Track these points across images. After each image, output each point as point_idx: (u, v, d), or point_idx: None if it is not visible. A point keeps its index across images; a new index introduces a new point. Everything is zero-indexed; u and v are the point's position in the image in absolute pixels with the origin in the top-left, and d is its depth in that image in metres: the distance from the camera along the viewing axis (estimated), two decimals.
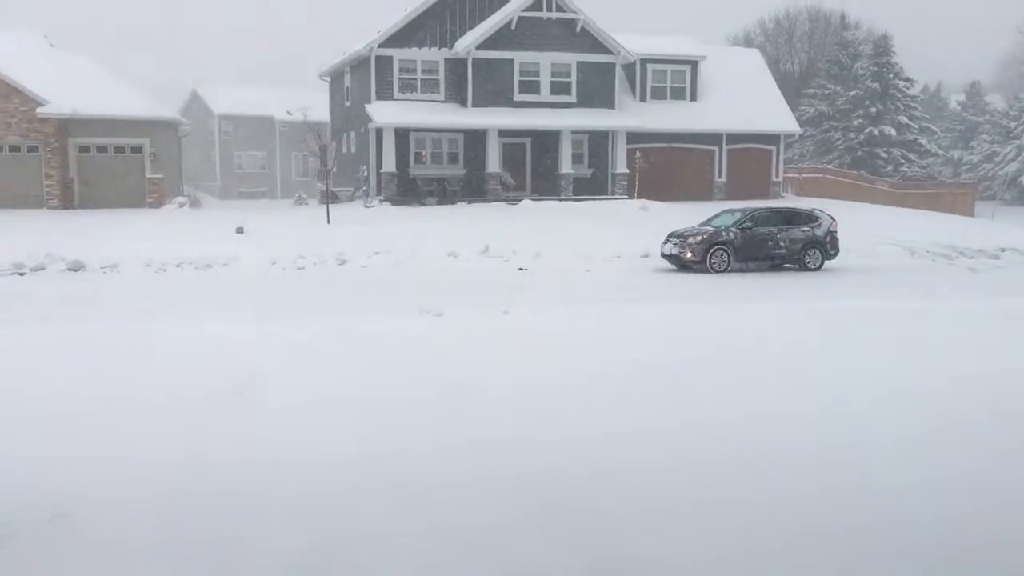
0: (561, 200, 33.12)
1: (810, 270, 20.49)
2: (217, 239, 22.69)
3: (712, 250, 19.87)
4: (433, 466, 4.78)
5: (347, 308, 13.30)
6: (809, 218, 21.21)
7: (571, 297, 15.57)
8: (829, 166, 49.55)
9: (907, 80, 55.20)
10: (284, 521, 3.96)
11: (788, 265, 20.72)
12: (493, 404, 6.42)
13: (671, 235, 20.76)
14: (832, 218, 21.42)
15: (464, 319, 11.21)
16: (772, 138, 38.88)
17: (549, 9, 34.19)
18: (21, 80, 31.01)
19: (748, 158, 38.52)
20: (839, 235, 21.24)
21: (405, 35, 33.75)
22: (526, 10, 33.88)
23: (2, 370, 7.39)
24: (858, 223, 27.13)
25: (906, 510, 4.30)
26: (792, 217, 21.27)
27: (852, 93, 54.76)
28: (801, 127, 47.44)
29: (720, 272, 19.79)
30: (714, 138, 37.71)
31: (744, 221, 20.52)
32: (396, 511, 4.11)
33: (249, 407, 6.13)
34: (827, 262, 20.93)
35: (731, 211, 21.92)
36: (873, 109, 53.50)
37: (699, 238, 20.01)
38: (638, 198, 33.76)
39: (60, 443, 5.23)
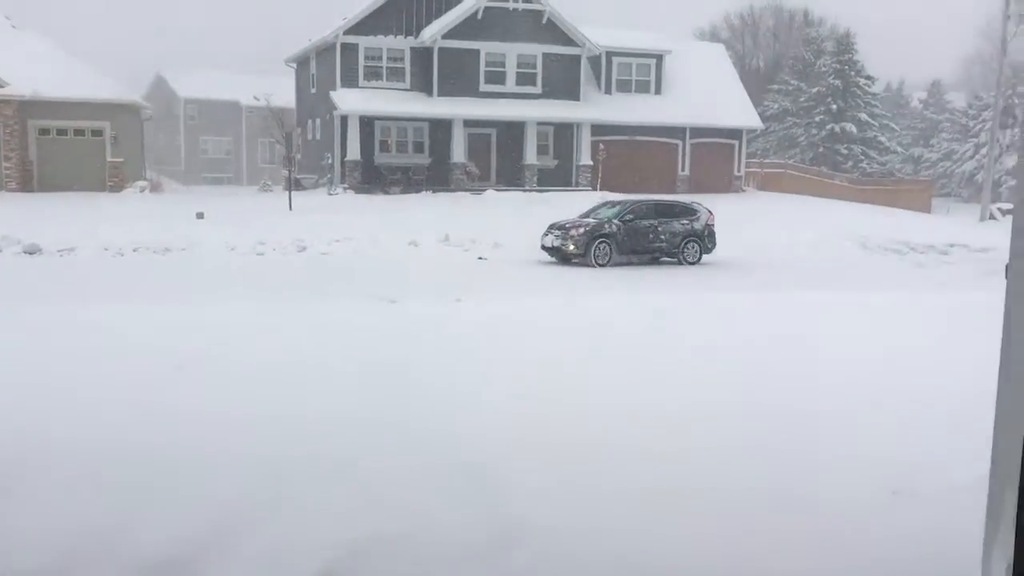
0: (525, 191, 33.34)
1: (688, 264, 20.17)
2: (177, 224, 22.64)
3: (595, 243, 19.29)
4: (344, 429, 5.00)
5: (300, 294, 13.44)
6: (688, 211, 20.85)
7: (521, 287, 15.81)
8: (791, 161, 50.20)
9: (868, 78, 55.98)
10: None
11: (666, 259, 20.32)
12: (416, 383, 6.67)
13: (552, 227, 20.12)
14: (709, 211, 21.07)
15: (416, 306, 11.40)
16: (735, 133, 39.34)
17: (516, 0, 34.33)
18: None
19: (711, 152, 38.95)
20: (715, 228, 20.94)
21: (371, 23, 33.73)
22: (493, 0, 33.99)
23: None
24: (813, 218, 27.61)
25: None
26: (671, 210, 20.84)
27: (815, 90, 55.44)
28: (765, 123, 48.07)
29: (603, 266, 19.23)
30: (678, 132, 38.07)
31: (625, 213, 19.99)
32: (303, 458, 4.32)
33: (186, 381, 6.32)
34: (704, 256, 20.52)
35: (611, 203, 21.59)
36: (835, 106, 54.21)
37: (582, 230, 19.35)
38: (601, 190, 34.05)
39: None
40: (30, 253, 18.81)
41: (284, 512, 3.90)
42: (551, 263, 19.76)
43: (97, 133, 32.77)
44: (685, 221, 20.45)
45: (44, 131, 32.11)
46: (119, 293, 13.36)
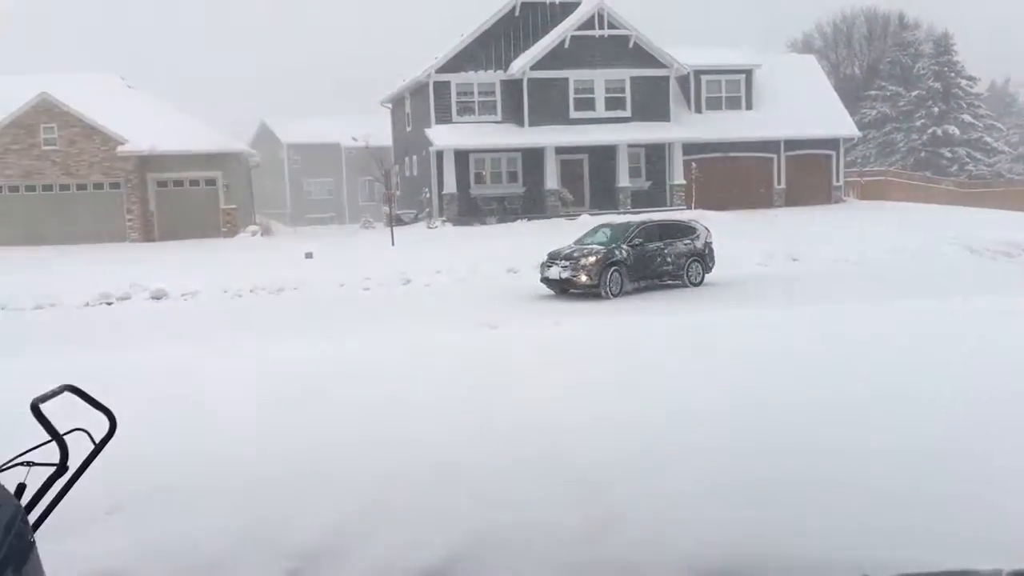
0: (619, 213, 33.62)
1: (692, 285, 18.98)
2: (288, 264, 23.79)
3: (608, 271, 17.71)
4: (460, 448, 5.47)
5: (407, 324, 14.10)
6: (688, 230, 19.67)
7: (618, 308, 16.15)
8: (892, 168, 49.08)
9: (970, 78, 54.41)
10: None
11: (671, 281, 19.10)
12: (518, 399, 7.12)
13: (554, 257, 18.51)
14: (707, 229, 20.05)
15: (516, 330, 11.90)
16: (831, 143, 38.83)
17: (601, 27, 34.88)
18: (102, 121, 32.86)
19: (807, 164, 38.54)
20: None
21: (461, 60, 34.76)
22: (579, 29, 34.63)
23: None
24: (916, 224, 27.07)
25: None
26: (673, 230, 19.55)
27: (914, 94, 54.17)
28: (863, 130, 47.21)
29: (615, 296, 17.73)
30: (772, 145, 37.82)
31: (633, 237, 18.51)
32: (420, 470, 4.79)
33: (314, 410, 6.92)
34: (706, 276, 19.43)
35: (606, 226, 20.11)
36: (935, 109, 52.86)
37: (593, 259, 17.69)
38: (695, 208, 34.10)
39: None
40: (157, 298, 20.10)
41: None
42: (549, 296, 18.35)
43: (210, 182, 34.65)
44: (687, 241, 19.30)
45: (162, 183, 34.15)
46: (241, 332, 14.28)
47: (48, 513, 2.65)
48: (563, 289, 18.20)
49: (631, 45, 35.08)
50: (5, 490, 2.23)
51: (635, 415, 6.32)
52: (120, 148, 32.80)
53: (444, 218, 33.72)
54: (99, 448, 2.77)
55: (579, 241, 19.62)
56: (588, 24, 34.78)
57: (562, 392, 7.33)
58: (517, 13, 35.37)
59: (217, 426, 6.46)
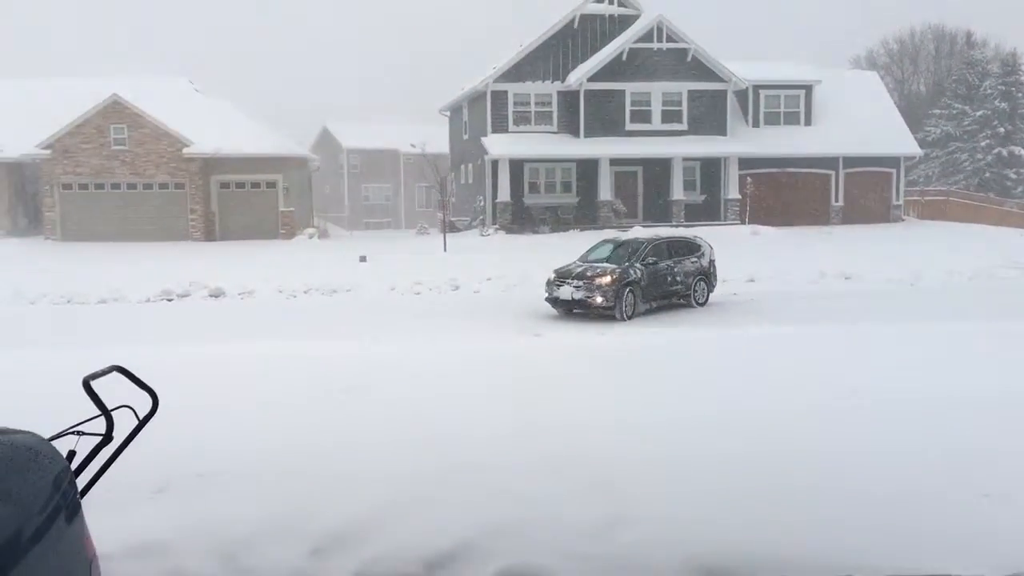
0: (672, 226, 33.62)
1: (698, 305, 17.99)
2: (342, 267, 24.32)
3: (625, 292, 16.39)
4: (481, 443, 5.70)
5: (453, 328, 14.38)
6: (694, 247, 18.56)
7: (670, 319, 16.24)
8: (955, 188, 48.20)
9: None
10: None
11: (680, 301, 17.93)
12: (533, 399, 7.33)
13: (563, 276, 17.03)
14: (710, 245, 19.07)
15: (561, 339, 12.11)
16: (892, 161, 38.34)
17: (660, 40, 34.95)
18: (169, 123, 33.88)
19: (866, 181, 38.11)
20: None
21: (519, 70, 35.12)
22: (637, 41, 34.75)
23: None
24: (976, 245, 26.60)
25: None
26: (680, 247, 18.38)
27: (979, 113, 53.13)
28: (926, 148, 46.50)
29: (630, 318, 16.45)
30: (830, 162, 37.48)
31: (646, 255, 17.32)
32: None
33: (353, 405, 7.22)
34: (710, 295, 18.45)
35: (609, 242, 18.80)
36: (1001, 129, 51.80)
37: (608, 279, 16.36)
38: (749, 223, 33.95)
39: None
40: (215, 296, 20.71)
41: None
42: (554, 316, 16.95)
43: (271, 185, 35.47)
44: (694, 258, 18.26)
45: (224, 185, 35.07)
46: (292, 330, 14.70)
47: (94, 482, 2.94)
48: (570, 310, 16.83)
49: (689, 59, 35.09)
50: (54, 449, 2.52)
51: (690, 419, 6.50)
52: (186, 150, 33.76)
53: (497, 226, 34.06)
54: (142, 424, 3.06)
55: (584, 258, 18.27)
56: (647, 37, 34.88)
57: (600, 401, 7.52)
58: (576, 25, 35.64)
59: (260, 419, 6.78)
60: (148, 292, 20.51)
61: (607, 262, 17.33)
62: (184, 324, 16.45)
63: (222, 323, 16.53)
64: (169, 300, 20.31)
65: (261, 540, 4.14)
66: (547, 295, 17.23)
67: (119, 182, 34.02)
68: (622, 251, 17.75)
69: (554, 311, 17.35)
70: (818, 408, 7.03)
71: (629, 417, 6.83)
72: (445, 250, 28.38)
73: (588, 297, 16.27)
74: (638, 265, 17.01)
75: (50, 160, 33.43)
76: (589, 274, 16.66)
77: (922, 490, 4.88)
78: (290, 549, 4.04)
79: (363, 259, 26.20)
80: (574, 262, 18.09)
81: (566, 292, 16.58)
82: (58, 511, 2.35)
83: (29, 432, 2.49)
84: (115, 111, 33.57)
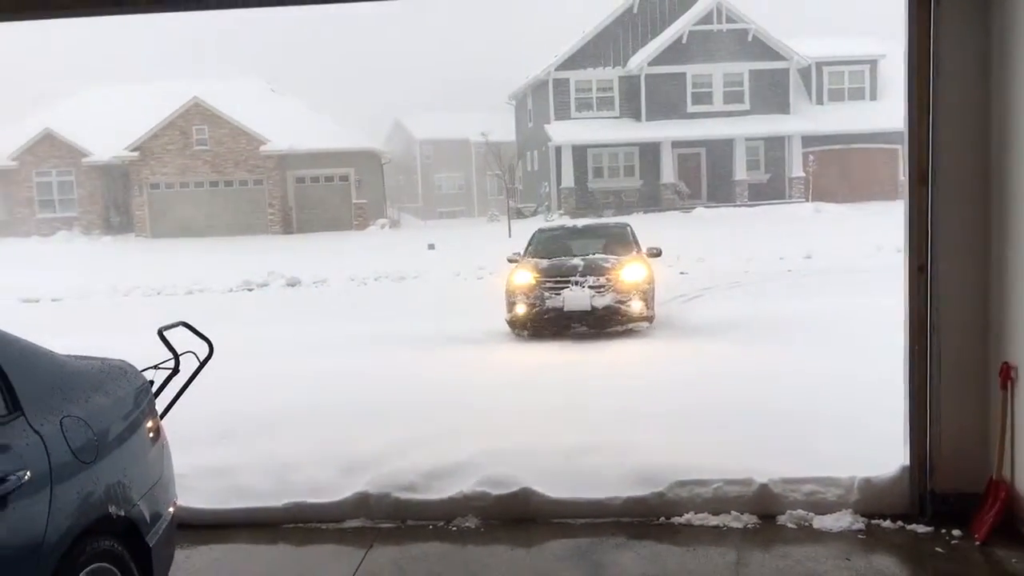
0: (736, 206, 33.93)
1: None
2: (411, 255, 25.49)
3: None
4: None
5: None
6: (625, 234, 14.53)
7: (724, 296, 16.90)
8: None
9: None
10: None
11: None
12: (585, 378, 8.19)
13: (562, 275, 12.08)
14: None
15: None
16: None
17: (719, 21, 35.19)
18: (247, 123, 35.60)
19: None
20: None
21: (580, 57, 35.78)
22: (697, 24, 35.07)
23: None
24: None
25: None
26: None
27: None
28: None
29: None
30: (896, 137, 37.03)
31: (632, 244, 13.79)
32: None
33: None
34: None
35: (556, 231, 15.51)
36: None
37: (643, 273, 12.14)
38: (813, 201, 34.03)
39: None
40: (292, 285, 22.08)
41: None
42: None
43: (344, 179, 36.94)
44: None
45: (300, 179, 36.67)
46: (362, 315, 15.85)
47: (167, 410, 3.96)
48: (566, 328, 11.88)
49: (750, 38, 35.24)
50: (135, 367, 3.53)
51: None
52: (263, 147, 35.44)
53: (562, 211, 34.83)
54: (202, 365, 4.08)
55: (532, 253, 13.56)
56: (706, 19, 35.15)
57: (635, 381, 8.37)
58: (635, 10, 36.09)
59: (311, 385, 7.86)
60: (231, 283, 21.99)
61: (576, 257, 12.73)
62: (260, 310, 17.77)
63: (294, 309, 17.81)
64: (249, 290, 21.73)
65: (305, 465, 5.17)
66: (536, 308, 11.90)
67: (202, 180, 35.90)
68: (592, 241, 13.79)
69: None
70: None
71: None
72: (510, 236, 29.29)
73: (621, 303, 11.63)
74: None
75: (138, 162, 35.49)
76: (608, 266, 12.06)
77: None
78: (327, 470, 5.08)
79: (431, 247, 27.33)
80: (559, 259, 12.79)
81: (577, 300, 11.65)
82: (143, 412, 3.36)
83: (121, 359, 3.51)
84: (196, 113, 35.42)
